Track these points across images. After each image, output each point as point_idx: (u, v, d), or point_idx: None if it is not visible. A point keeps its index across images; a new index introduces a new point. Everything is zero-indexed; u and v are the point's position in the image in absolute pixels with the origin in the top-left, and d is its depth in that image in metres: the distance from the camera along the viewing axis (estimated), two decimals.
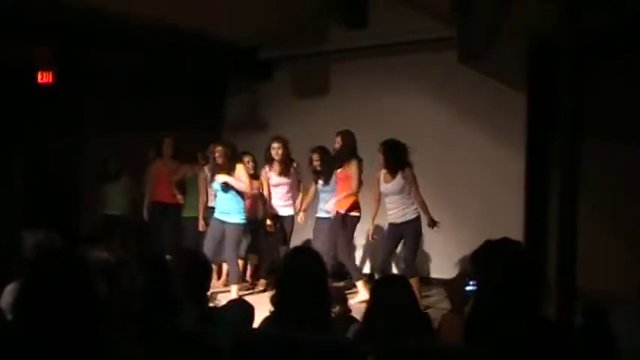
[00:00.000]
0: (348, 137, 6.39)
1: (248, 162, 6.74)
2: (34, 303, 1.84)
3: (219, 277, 7.01)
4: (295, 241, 7.12)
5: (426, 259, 7.37)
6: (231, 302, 3.61)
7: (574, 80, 3.97)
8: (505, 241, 2.38)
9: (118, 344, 2.03)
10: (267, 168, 6.84)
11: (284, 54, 8.32)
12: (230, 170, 6.16)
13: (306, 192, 6.92)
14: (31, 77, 7.04)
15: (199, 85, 8.58)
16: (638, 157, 6.10)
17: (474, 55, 6.56)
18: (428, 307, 5.74)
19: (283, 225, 6.87)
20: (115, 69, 7.42)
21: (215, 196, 6.40)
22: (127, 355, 2.07)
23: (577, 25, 3.94)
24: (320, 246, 6.28)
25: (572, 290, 3.85)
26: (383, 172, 6.04)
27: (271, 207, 6.85)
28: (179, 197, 7.15)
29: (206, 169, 6.82)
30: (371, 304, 2.66)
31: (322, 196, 6.57)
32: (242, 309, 3.27)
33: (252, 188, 6.37)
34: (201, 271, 3.06)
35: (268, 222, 6.83)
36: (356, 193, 6.31)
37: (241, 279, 6.78)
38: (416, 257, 6.03)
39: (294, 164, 6.92)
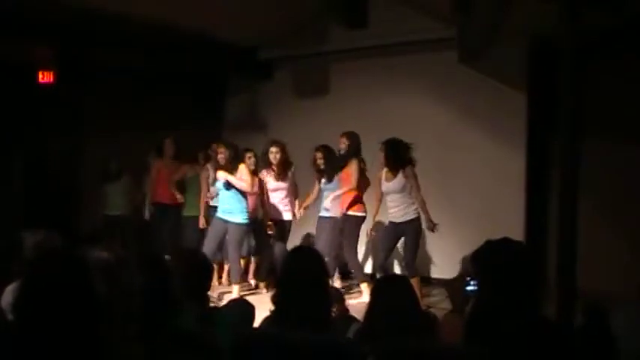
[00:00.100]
0: (354, 138, 6.40)
1: (250, 157, 6.73)
2: (34, 303, 1.84)
3: (219, 277, 7.01)
4: (294, 240, 7.12)
5: (427, 259, 7.37)
6: (231, 302, 3.61)
7: (574, 80, 3.97)
8: (506, 242, 2.38)
9: (118, 344, 2.03)
10: (264, 172, 6.78)
11: (284, 54, 8.32)
12: (232, 170, 6.15)
13: (307, 196, 6.89)
14: (31, 77, 7.04)
15: (199, 85, 8.58)
16: (638, 157, 6.10)
17: (474, 55, 6.56)
18: (429, 307, 5.74)
19: (282, 228, 6.86)
20: (115, 69, 7.42)
21: (217, 194, 6.40)
22: (127, 355, 2.08)
23: (577, 25, 3.94)
24: (323, 245, 6.30)
25: (572, 290, 3.85)
26: (384, 170, 6.04)
27: (270, 211, 6.81)
28: (179, 197, 7.14)
29: (209, 166, 6.80)
30: (372, 304, 2.66)
31: (325, 194, 6.56)
32: (242, 309, 3.27)
33: (253, 188, 6.34)
34: (201, 271, 3.06)
35: (269, 223, 6.83)
36: (355, 188, 6.31)
37: (243, 279, 6.78)
38: (416, 257, 6.03)
39: (292, 168, 6.89)
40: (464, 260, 6.58)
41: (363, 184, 6.44)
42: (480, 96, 7.13)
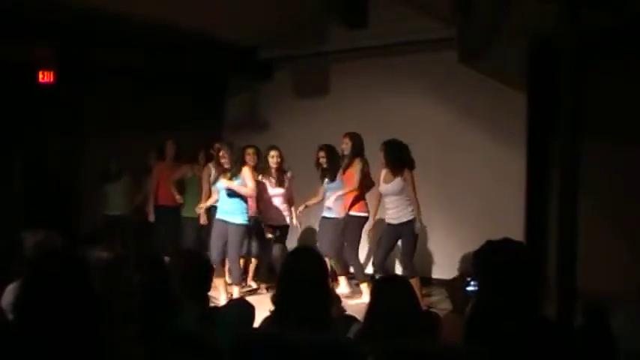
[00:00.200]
0: (357, 138, 6.40)
1: (252, 154, 6.70)
2: (34, 303, 1.84)
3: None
4: (295, 240, 7.12)
5: (427, 259, 7.36)
6: (231, 302, 3.62)
7: (574, 80, 3.96)
8: (506, 242, 2.39)
9: (118, 344, 2.04)
10: (261, 178, 6.67)
11: (284, 54, 8.32)
12: (236, 173, 6.12)
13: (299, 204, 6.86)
14: (31, 77, 7.05)
15: (199, 85, 8.58)
16: (638, 157, 6.10)
17: (474, 55, 6.56)
18: (429, 308, 5.74)
19: (283, 232, 6.84)
20: (115, 69, 7.42)
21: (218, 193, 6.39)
22: (127, 355, 2.08)
23: (577, 25, 3.94)
24: (325, 245, 6.30)
25: (572, 290, 3.85)
26: (384, 171, 6.04)
27: (269, 218, 6.79)
28: (178, 197, 7.12)
29: (211, 165, 6.77)
30: (372, 305, 2.66)
31: (328, 194, 6.55)
32: (242, 309, 3.28)
33: (254, 190, 6.31)
34: (201, 271, 3.06)
35: (269, 229, 6.80)
36: (356, 189, 6.31)
37: (243, 280, 6.77)
38: (413, 258, 6.01)
39: (289, 174, 6.84)
40: (464, 260, 6.61)
41: (366, 184, 6.44)
42: (480, 96, 7.12)
